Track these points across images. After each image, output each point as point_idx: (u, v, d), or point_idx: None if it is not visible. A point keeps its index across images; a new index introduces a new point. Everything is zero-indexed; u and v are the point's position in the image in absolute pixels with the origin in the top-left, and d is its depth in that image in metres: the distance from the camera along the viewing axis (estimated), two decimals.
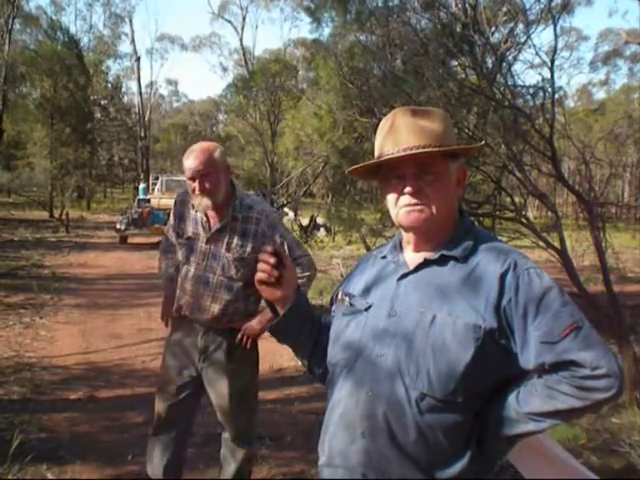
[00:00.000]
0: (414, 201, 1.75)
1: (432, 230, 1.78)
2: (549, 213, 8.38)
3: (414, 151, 1.72)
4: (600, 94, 55.35)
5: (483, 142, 2.26)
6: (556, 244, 6.56)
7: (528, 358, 1.64)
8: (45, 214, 28.50)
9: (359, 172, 1.93)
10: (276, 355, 7.34)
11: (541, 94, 7.53)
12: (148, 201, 21.73)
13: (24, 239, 19.77)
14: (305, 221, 22.30)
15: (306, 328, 1.98)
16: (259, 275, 1.86)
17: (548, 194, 8.67)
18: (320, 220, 21.86)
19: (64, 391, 5.72)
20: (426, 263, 1.79)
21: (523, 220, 7.02)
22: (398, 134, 1.77)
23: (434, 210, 1.75)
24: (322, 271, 14.30)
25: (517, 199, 7.85)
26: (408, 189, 1.75)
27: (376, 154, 1.83)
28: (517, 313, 1.65)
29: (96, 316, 9.20)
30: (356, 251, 15.63)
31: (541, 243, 6.51)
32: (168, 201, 22.62)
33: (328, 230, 21.96)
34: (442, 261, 1.77)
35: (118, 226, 19.87)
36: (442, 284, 1.74)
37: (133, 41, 47.36)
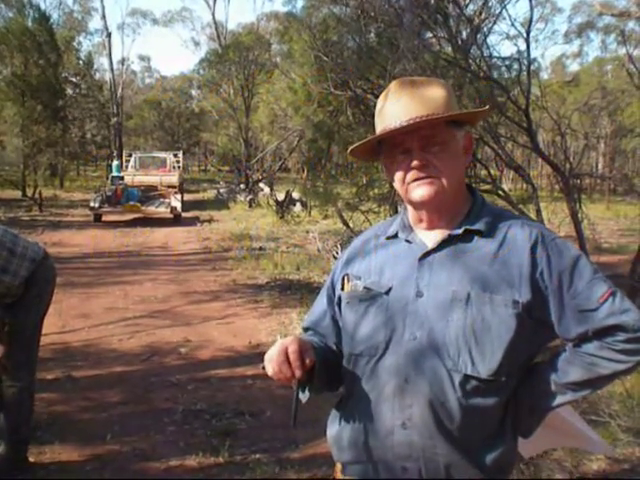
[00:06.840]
0: (423, 174, 1.66)
1: (444, 203, 1.70)
2: (524, 185, 8.41)
3: (418, 120, 1.63)
4: (574, 66, 55.41)
5: (488, 107, 2.16)
6: (532, 216, 6.58)
7: (568, 328, 1.62)
8: (18, 193, 28.08)
9: (360, 153, 1.83)
10: (254, 331, 7.34)
11: (516, 66, 7.52)
12: (122, 178, 21.54)
13: None
14: (281, 196, 22.18)
15: (330, 371, 1.82)
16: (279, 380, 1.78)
17: (524, 166, 8.69)
18: (296, 195, 21.77)
19: (41, 371, 5.64)
20: (450, 240, 1.70)
21: (500, 192, 7.04)
22: (400, 105, 1.67)
23: (444, 182, 1.66)
24: (299, 246, 14.28)
25: (493, 171, 7.87)
26: (415, 163, 1.66)
27: (377, 131, 1.73)
28: (551, 284, 1.61)
29: (71, 295, 9.10)
30: (332, 225, 15.58)
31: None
32: (142, 178, 22.48)
33: (304, 205, 21.88)
34: (466, 237, 1.69)
35: (92, 204, 19.69)
36: (470, 260, 1.66)
37: (104, 16, 46.40)
